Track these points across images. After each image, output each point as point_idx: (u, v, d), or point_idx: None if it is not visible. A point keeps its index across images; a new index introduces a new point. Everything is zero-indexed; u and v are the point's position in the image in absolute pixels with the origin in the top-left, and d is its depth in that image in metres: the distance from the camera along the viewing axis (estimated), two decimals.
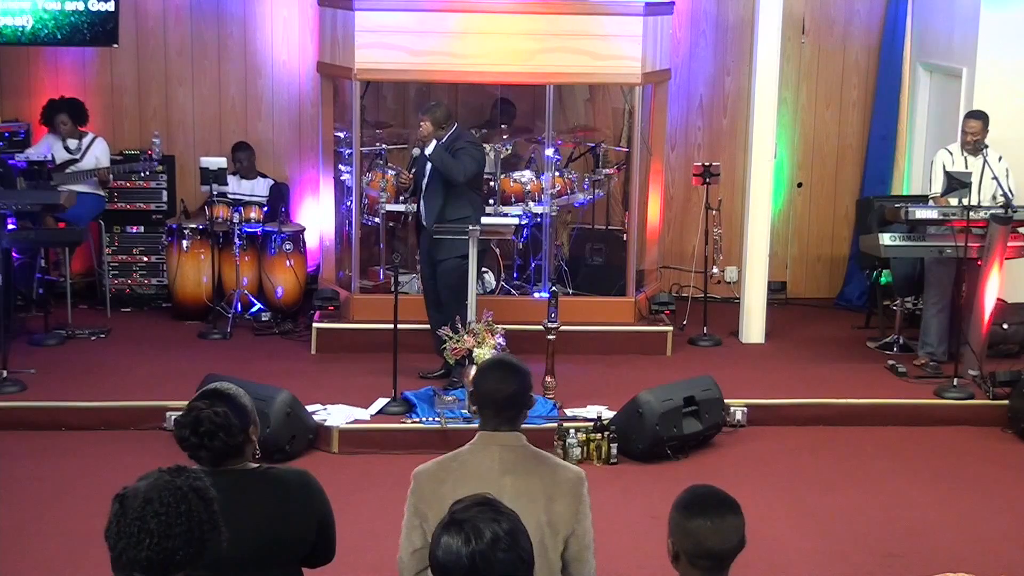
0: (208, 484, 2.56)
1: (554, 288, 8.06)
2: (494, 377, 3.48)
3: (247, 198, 9.71)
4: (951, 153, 8.59)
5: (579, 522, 3.41)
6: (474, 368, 7.34)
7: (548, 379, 7.85)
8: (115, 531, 2.47)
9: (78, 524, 6.21)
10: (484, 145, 8.71)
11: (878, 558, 6.15)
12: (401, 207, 8.88)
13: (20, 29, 9.35)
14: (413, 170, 8.29)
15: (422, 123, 7.99)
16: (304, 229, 9.80)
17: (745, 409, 7.90)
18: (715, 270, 9.76)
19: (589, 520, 3.46)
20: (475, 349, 7.33)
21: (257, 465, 3.39)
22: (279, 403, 7.14)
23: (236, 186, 9.78)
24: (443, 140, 7.92)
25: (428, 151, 7.90)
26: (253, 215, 9.54)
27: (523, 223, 8.92)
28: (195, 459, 3.27)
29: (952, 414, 8.04)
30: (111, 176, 9.60)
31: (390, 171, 9.30)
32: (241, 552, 3.12)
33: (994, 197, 8.44)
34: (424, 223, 8.10)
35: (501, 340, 7.42)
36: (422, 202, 8.13)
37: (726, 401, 7.67)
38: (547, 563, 3.35)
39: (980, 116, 8.50)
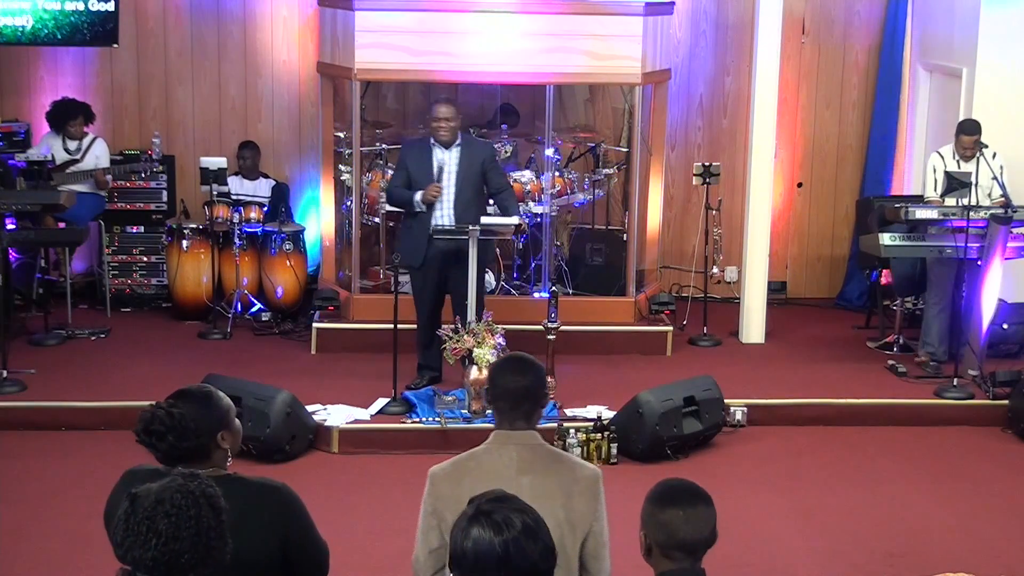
0: (220, 494, 2.54)
1: (554, 288, 8.05)
2: (510, 370, 3.52)
3: (249, 198, 9.72)
4: (943, 156, 8.58)
5: (597, 520, 3.43)
6: (474, 368, 7.36)
7: (548, 379, 7.83)
8: (123, 528, 2.46)
9: (78, 524, 6.20)
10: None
11: (878, 558, 6.15)
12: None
13: (20, 29, 9.35)
14: (440, 179, 7.80)
15: (449, 120, 7.75)
16: (304, 229, 9.80)
17: (745, 409, 7.90)
18: (715, 270, 9.77)
19: (606, 518, 3.48)
20: (475, 349, 7.34)
21: (226, 472, 3.22)
22: (279, 403, 7.14)
23: (239, 186, 9.79)
24: (458, 142, 7.85)
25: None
26: (253, 215, 9.55)
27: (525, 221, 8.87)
28: (155, 457, 3.19)
29: (952, 414, 8.04)
30: (110, 178, 9.57)
31: (390, 171, 9.30)
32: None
33: (989, 195, 8.45)
34: (448, 227, 7.76)
35: (501, 340, 7.42)
36: (451, 209, 7.79)
37: (726, 401, 7.68)
38: (566, 561, 3.37)
39: (975, 130, 8.43)
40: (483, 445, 3.50)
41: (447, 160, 7.84)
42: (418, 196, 7.78)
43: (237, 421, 3.32)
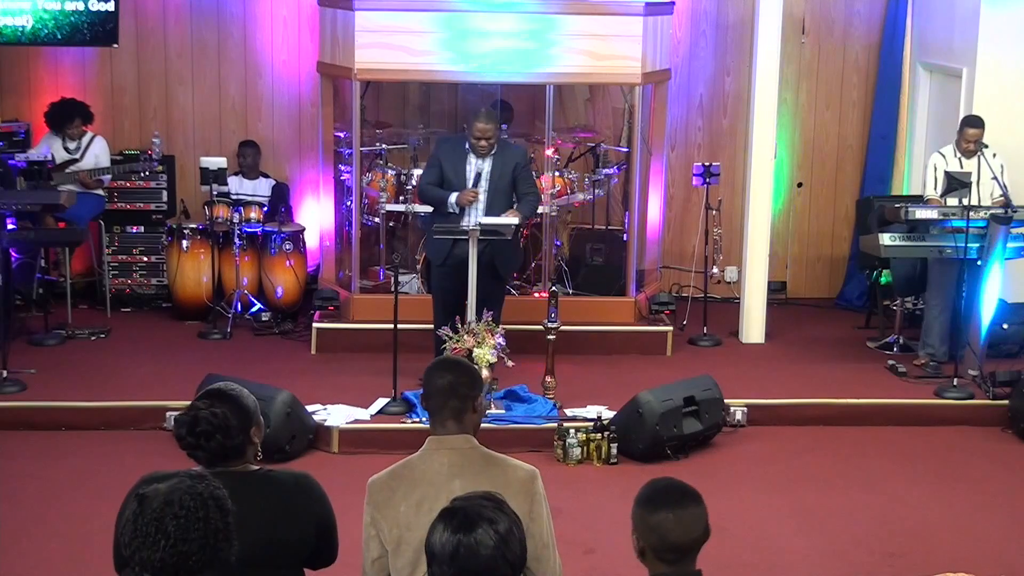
0: (227, 495, 2.56)
1: (554, 288, 8.04)
2: (438, 368, 3.56)
3: (249, 198, 9.72)
4: (944, 156, 8.58)
5: (533, 521, 3.35)
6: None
7: (548, 379, 7.84)
8: (131, 529, 2.46)
9: (78, 524, 6.21)
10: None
11: (878, 558, 6.15)
12: (401, 207, 8.85)
13: (20, 29, 9.35)
14: (476, 184, 7.79)
15: (490, 137, 7.70)
16: (304, 229, 9.79)
17: (745, 409, 7.90)
18: (715, 270, 9.77)
19: (546, 518, 3.43)
20: (475, 349, 7.33)
21: (257, 467, 3.36)
22: (279, 403, 7.14)
23: (239, 186, 9.79)
24: (494, 151, 7.80)
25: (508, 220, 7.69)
26: (253, 215, 9.54)
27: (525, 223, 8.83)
28: (193, 459, 3.25)
29: (952, 414, 8.04)
30: (102, 179, 9.53)
31: (390, 171, 9.31)
32: (240, 554, 3.11)
33: (991, 195, 8.45)
34: (448, 226, 7.74)
35: (501, 340, 7.41)
36: (482, 214, 7.76)
37: (726, 401, 7.67)
38: None
39: (980, 124, 8.46)
40: (418, 452, 3.50)
41: (483, 168, 7.82)
42: (453, 198, 7.75)
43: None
